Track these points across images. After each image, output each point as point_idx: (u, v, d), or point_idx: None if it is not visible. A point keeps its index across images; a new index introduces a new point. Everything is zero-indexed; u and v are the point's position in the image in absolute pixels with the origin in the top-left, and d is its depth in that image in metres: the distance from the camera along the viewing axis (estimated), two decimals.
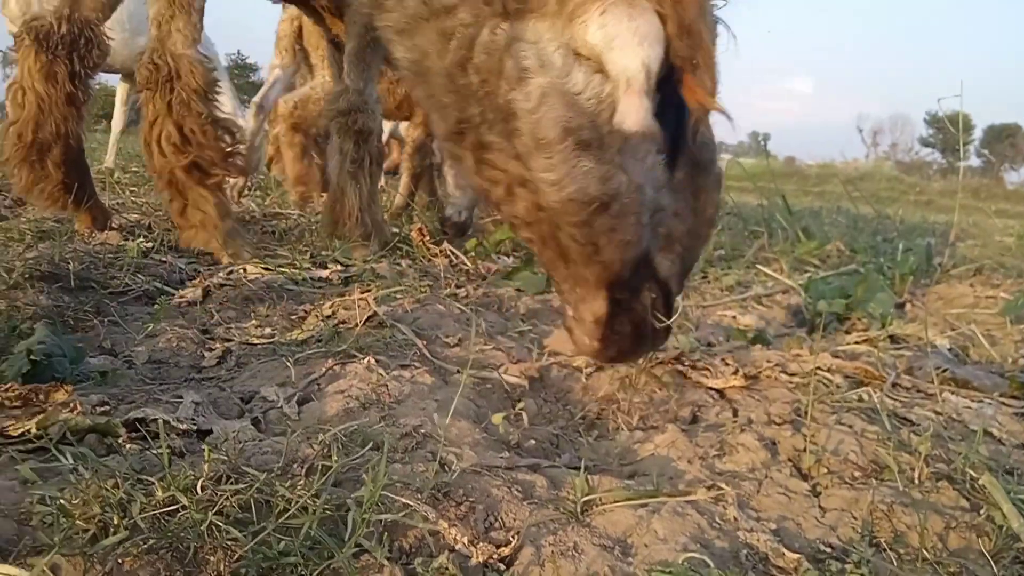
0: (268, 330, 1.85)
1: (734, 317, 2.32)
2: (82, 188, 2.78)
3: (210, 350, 1.68)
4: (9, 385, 1.01)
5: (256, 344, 1.70)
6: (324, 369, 1.41)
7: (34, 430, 0.95)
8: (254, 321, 1.90)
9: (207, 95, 2.55)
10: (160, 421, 1.00)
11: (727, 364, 1.55)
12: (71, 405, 1.02)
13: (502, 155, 1.15)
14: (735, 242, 3.95)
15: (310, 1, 3.11)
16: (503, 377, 1.50)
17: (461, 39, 1.07)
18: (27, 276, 1.95)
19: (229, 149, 2.62)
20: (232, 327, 1.85)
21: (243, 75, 30.25)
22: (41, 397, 1.01)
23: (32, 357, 1.16)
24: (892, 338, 2.09)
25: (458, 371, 1.50)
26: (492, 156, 1.16)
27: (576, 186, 1.11)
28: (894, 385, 1.55)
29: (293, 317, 1.97)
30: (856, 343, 2.06)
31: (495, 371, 1.52)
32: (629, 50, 1.09)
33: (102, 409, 1.08)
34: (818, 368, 1.57)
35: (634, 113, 1.12)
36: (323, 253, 2.82)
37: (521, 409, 1.32)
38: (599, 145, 1.12)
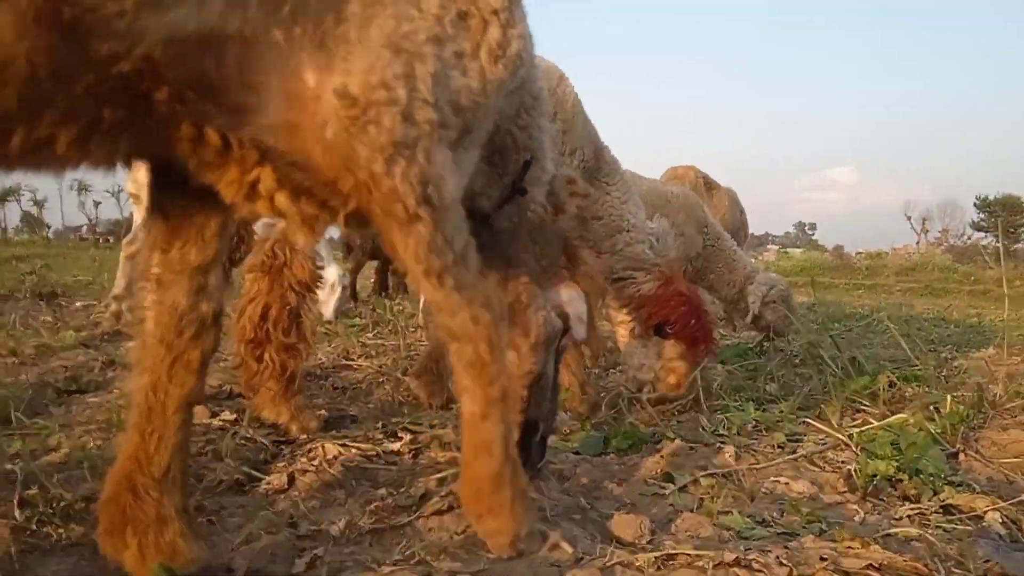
0: (351, 524, 2.01)
1: (787, 483, 2.40)
2: None
3: (301, 552, 1.85)
4: None
5: (343, 548, 1.86)
6: None
7: None
8: (338, 519, 2.05)
9: (308, 289, 2.87)
10: None
11: (782, 564, 1.65)
12: None
13: None
14: (784, 374, 4.03)
15: None
16: None
17: None
18: None
19: (291, 343, 2.89)
20: (318, 523, 2.02)
21: None
22: None
23: None
24: (945, 509, 2.16)
25: None
26: None
27: (540, 365, 2.19)
28: None
29: (371, 506, 2.12)
30: (909, 515, 2.14)
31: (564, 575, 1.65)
32: (579, 304, 2.28)
33: None
34: (870, 566, 1.66)
35: (581, 331, 2.33)
36: (393, 420, 3.00)
37: None
38: (552, 347, 2.23)
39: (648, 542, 1.94)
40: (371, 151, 1.33)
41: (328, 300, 6.92)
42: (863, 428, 2.86)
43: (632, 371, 3.81)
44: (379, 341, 5.47)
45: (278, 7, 1.22)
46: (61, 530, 1.86)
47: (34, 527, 1.85)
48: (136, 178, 6.08)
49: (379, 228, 1.50)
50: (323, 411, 3.22)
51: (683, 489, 2.35)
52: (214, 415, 3.01)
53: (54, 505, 1.95)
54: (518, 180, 2.22)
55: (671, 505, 2.24)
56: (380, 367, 4.28)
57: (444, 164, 1.48)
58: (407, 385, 3.55)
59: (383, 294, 9.67)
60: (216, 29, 1.16)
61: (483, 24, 1.58)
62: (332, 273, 6.55)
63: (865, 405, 3.37)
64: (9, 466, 2.12)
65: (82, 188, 55.82)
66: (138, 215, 6.32)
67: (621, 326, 4.00)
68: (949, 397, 2.93)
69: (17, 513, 1.88)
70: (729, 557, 1.68)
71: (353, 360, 4.50)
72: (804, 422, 3.08)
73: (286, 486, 2.31)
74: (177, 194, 1.55)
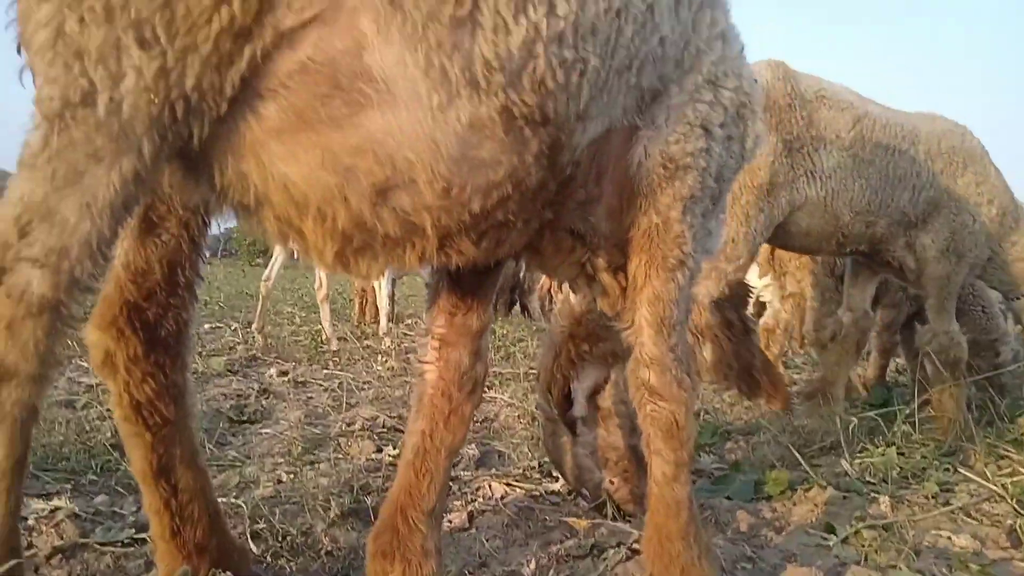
0: (540, 566, 2.17)
1: (949, 538, 2.45)
2: None
3: None
4: None
5: None
6: None
7: None
8: (525, 560, 2.22)
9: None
10: None
11: None
12: None
13: None
14: (921, 417, 4.00)
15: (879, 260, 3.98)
16: None
17: None
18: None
19: None
20: (507, 563, 2.19)
21: None
22: None
23: None
24: None
25: None
26: None
27: None
28: None
29: (551, 548, 2.28)
30: None
31: None
32: None
33: None
34: None
35: None
36: (543, 460, 3.17)
37: None
38: None
39: None
40: (673, 200, 1.69)
41: None
42: (1016, 479, 2.87)
43: None
44: (496, 369, 5.67)
45: (641, 101, 1.60)
46: (292, 563, 2.09)
47: (269, 559, 2.08)
48: None
49: (637, 277, 1.76)
50: (473, 445, 3.41)
51: (845, 541, 2.42)
52: (379, 449, 3.24)
53: (280, 539, 2.18)
54: None
55: (836, 556, 2.32)
56: (510, 399, 4.48)
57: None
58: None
59: None
60: (608, 125, 1.56)
61: (753, 116, 1.87)
62: None
63: (1009, 451, 3.36)
64: (233, 499, 2.37)
65: None
66: (280, 250, 6.68)
67: None
68: None
69: (252, 546, 2.12)
70: None
71: (484, 391, 4.69)
72: (950, 469, 3.10)
73: (467, 524, 2.50)
74: (470, 269, 1.79)
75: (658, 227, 1.70)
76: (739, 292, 3.78)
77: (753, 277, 8.63)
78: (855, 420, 3.56)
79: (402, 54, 1.19)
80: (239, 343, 6.65)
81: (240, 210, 1.30)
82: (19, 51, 1.22)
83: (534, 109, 1.31)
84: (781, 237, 3.84)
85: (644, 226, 1.70)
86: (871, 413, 3.73)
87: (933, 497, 2.83)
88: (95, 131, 1.12)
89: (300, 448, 3.14)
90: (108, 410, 3.28)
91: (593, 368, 2.54)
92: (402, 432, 3.34)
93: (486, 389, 4.73)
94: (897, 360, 6.22)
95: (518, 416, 4.07)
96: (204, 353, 5.72)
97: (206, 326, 7.93)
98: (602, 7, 1.38)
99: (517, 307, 10.44)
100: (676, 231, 1.70)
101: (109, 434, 2.98)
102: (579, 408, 2.57)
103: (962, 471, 3.03)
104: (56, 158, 1.13)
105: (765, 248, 5.45)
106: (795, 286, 5.25)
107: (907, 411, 3.73)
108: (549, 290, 9.03)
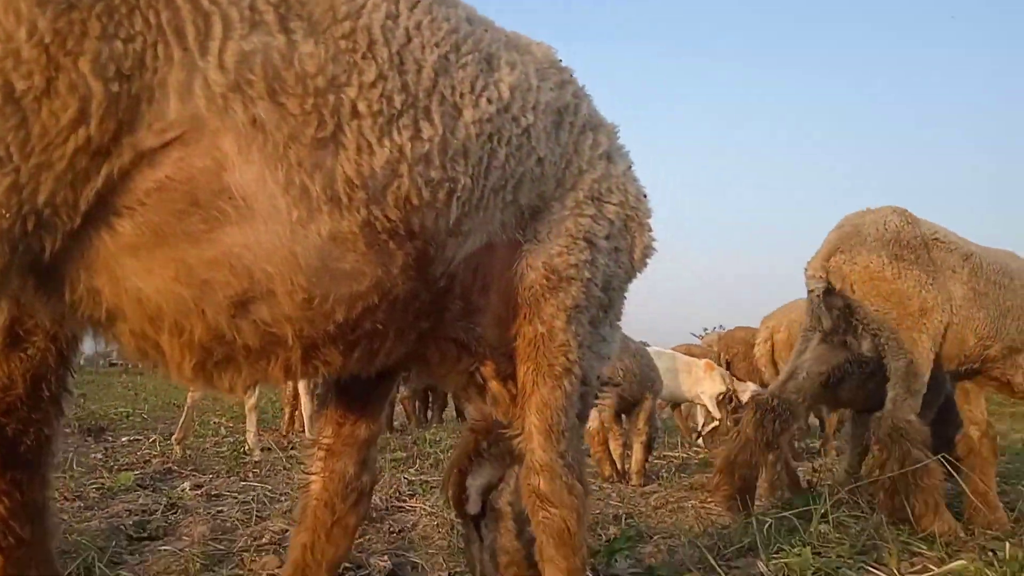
0: None
1: None
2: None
3: None
4: None
5: None
6: None
7: None
8: None
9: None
10: None
11: None
12: None
13: None
14: (837, 515, 4.03)
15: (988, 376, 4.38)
16: None
17: None
18: None
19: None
20: None
21: None
22: None
23: None
24: None
25: None
26: None
27: None
28: None
29: None
30: None
31: None
32: None
33: None
34: None
35: None
36: (458, 571, 3.08)
37: None
38: None
39: None
40: (556, 310, 1.74)
41: None
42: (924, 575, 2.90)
43: None
44: (423, 477, 5.54)
45: (521, 218, 1.69)
46: None
47: None
48: None
49: (525, 385, 1.78)
50: (385, 557, 3.30)
51: None
52: (283, 563, 3.09)
53: None
54: None
55: None
56: (432, 507, 4.36)
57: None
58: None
59: (420, 424, 9.77)
60: (487, 240, 1.63)
61: (640, 228, 1.93)
62: None
63: (921, 548, 3.40)
64: None
65: None
66: None
67: None
68: (1008, 543, 2.97)
69: None
70: None
71: (404, 500, 4.58)
72: (864, 567, 3.12)
73: None
74: (360, 379, 1.79)
75: (543, 336, 1.74)
76: None
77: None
78: (770, 520, 3.57)
79: (262, 173, 1.23)
80: (155, 456, 6.38)
81: (92, 325, 1.28)
82: None
83: (398, 224, 1.35)
84: None
85: (530, 335, 1.74)
86: (788, 513, 3.75)
87: None
88: None
89: (198, 565, 2.99)
90: None
91: (489, 466, 2.51)
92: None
93: (406, 498, 4.66)
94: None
95: (437, 525, 3.95)
96: (115, 467, 5.47)
97: (124, 439, 7.61)
98: (473, 132, 1.45)
99: (453, 411, 10.36)
100: (561, 340, 1.75)
101: None
102: (472, 505, 2.51)
103: (875, 570, 3.05)
104: None
105: None
106: None
107: (822, 510, 3.77)
108: None
